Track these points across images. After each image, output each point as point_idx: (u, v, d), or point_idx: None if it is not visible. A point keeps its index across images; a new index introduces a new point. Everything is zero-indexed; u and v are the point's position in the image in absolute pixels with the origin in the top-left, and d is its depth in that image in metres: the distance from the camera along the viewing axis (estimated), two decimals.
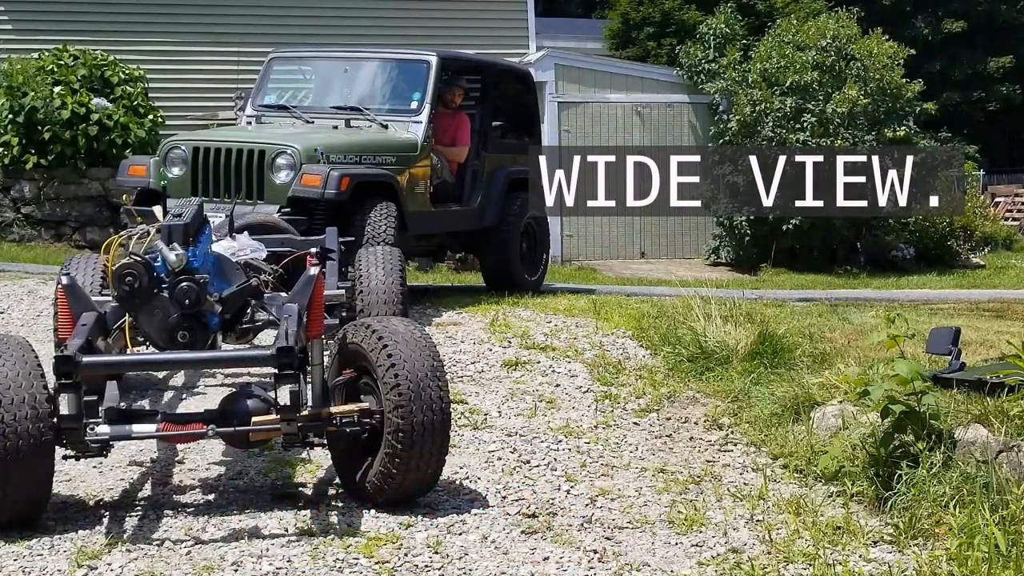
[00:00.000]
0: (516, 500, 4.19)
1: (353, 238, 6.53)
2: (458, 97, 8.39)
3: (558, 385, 5.76)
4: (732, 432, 5.12)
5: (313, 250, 5.53)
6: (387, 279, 5.63)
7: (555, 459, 4.69)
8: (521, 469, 4.55)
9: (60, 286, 4.28)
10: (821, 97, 14.86)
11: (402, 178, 7.57)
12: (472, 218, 8.40)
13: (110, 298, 4.25)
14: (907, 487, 3.96)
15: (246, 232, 5.49)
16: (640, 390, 5.68)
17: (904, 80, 15.45)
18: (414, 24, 15.19)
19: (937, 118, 18.41)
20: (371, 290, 5.60)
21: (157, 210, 7.72)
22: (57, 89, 12.22)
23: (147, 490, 4.17)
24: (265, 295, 4.58)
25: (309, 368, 3.98)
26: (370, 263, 5.71)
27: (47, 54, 12.87)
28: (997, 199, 22.36)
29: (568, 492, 4.31)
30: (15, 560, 3.49)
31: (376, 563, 3.54)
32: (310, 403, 3.87)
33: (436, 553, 3.64)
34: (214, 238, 4.91)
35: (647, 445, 4.98)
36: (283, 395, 3.83)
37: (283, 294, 4.60)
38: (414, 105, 7.91)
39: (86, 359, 3.71)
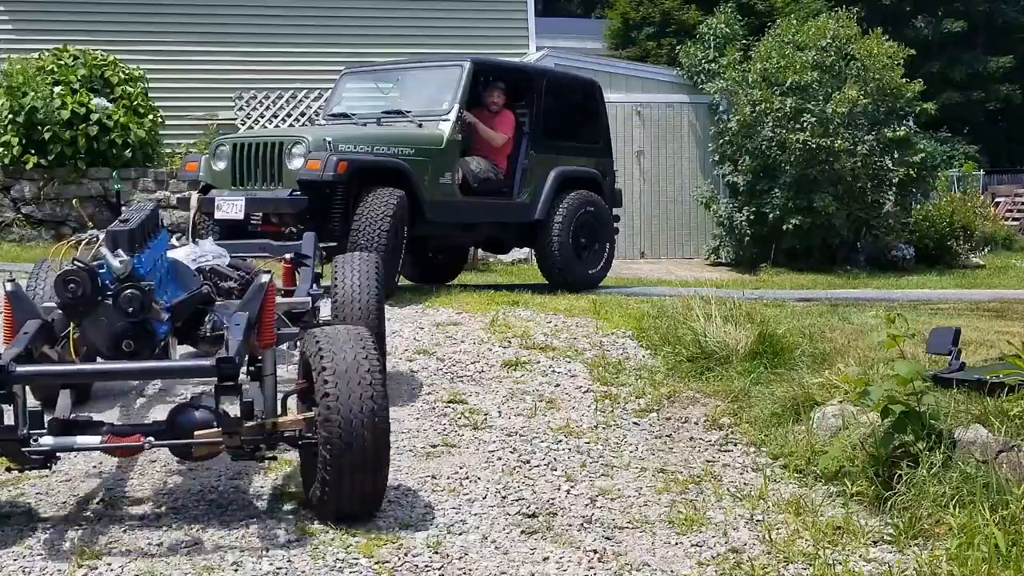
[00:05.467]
0: (516, 500, 4.19)
1: (335, 243, 7.21)
2: (497, 99, 9.04)
3: (558, 385, 5.76)
4: (732, 432, 5.12)
5: (287, 256, 5.42)
6: (362, 288, 5.26)
7: (555, 459, 4.69)
8: (521, 469, 4.55)
9: (5, 293, 4.05)
10: (821, 97, 14.87)
11: (421, 167, 8.20)
12: (519, 211, 9.07)
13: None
14: (907, 487, 3.96)
15: (210, 238, 5.44)
16: (640, 390, 5.68)
17: (904, 80, 15.46)
18: (415, 24, 15.22)
19: (937, 118, 18.42)
20: (345, 299, 5.26)
21: (194, 196, 8.25)
22: (57, 89, 12.24)
23: (146, 490, 4.17)
24: (217, 303, 4.42)
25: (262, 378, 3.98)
26: (345, 271, 5.36)
27: (47, 54, 12.90)
28: (997, 199, 22.39)
29: (568, 492, 4.31)
30: (15, 560, 3.49)
31: (376, 563, 3.54)
32: (264, 414, 3.75)
33: (436, 553, 3.64)
34: (176, 244, 4.88)
35: (647, 445, 4.98)
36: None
37: (226, 301, 4.44)
38: (445, 105, 8.61)
39: (19, 369, 3.55)
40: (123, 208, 4.74)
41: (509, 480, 4.41)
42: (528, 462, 4.63)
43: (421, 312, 7.30)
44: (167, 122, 13.62)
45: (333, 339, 3.78)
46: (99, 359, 4.00)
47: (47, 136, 12.11)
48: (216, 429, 3.66)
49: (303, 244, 5.61)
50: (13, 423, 3.58)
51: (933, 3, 30.59)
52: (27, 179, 12.43)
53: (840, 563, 3.58)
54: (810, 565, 3.59)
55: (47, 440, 3.63)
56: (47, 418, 3.74)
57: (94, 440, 3.68)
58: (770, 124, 14.79)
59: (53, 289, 3.92)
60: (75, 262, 3.87)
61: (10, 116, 12.19)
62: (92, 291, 3.81)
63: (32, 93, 12.06)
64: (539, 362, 6.12)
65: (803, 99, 14.79)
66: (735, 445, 4.98)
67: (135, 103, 12.85)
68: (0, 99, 12.28)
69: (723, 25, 16.72)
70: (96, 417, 3.96)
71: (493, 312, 7.22)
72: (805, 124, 14.61)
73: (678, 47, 17.44)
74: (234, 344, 3.78)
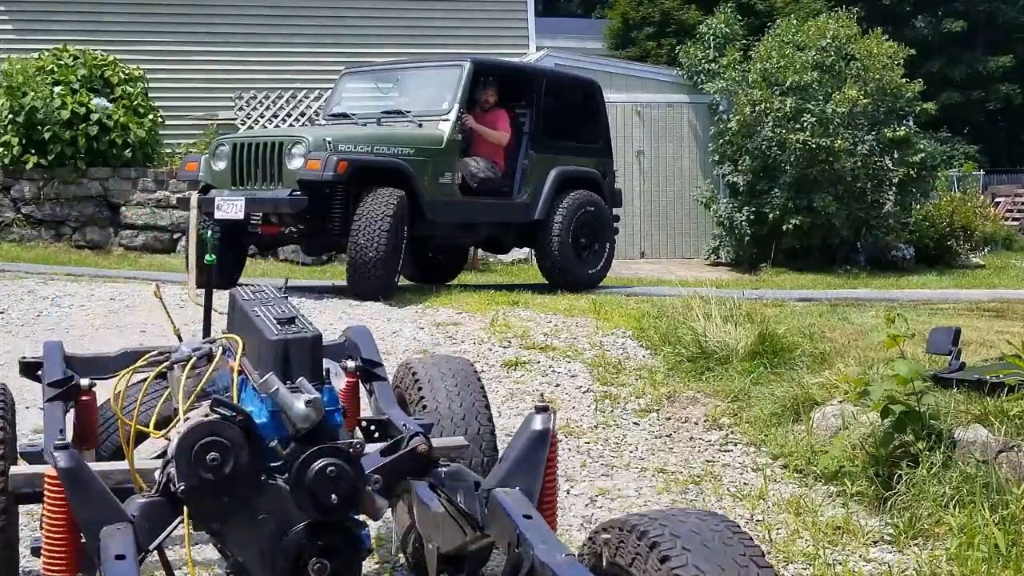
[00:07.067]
0: None
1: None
2: (490, 97, 9.10)
3: (558, 385, 5.76)
4: (732, 432, 5.12)
5: (350, 364, 3.26)
6: (467, 414, 3.17)
7: None
8: None
9: (54, 467, 2.19)
10: (821, 97, 14.87)
11: (421, 167, 8.26)
12: (518, 211, 9.16)
13: (126, 484, 2.44)
14: (907, 487, 3.96)
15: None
16: (640, 390, 5.68)
17: (904, 80, 15.46)
18: (415, 24, 15.22)
19: (937, 118, 18.42)
20: (448, 425, 3.13)
21: (194, 196, 8.12)
22: (57, 89, 12.24)
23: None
24: (443, 470, 2.46)
25: None
26: (436, 387, 3.22)
27: (47, 54, 12.89)
28: (997, 199, 22.39)
29: (568, 492, 4.30)
30: None
31: (376, 563, 3.54)
32: None
33: None
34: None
35: (647, 445, 4.98)
36: None
37: (454, 464, 2.53)
38: (445, 105, 8.66)
39: None
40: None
41: None
42: None
43: (421, 312, 7.30)
44: (167, 122, 13.62)
45: (677, 524, 1.81)
46: None
47: (47, 136, 12.11)
48: None
49: (360, 343, 3.38)
50: None
51: (933, 3, 30.61)
52: (27, 179, 12.43)
53: (840, 563, 3.58)
54: (810, 565, 3.59)
55: None
56: None
57: None
58: (770, 124, 14.79)
59: (175, 461, 2.14)
60: (213, 408, 2.15)
61: (10, 116, 12.19)
62: (250, 462, 2.12)
63: (32, 93, 12.06)
64: (539, 362, 6.12)
65: (803, 99, 14.79)
66: (735, 445, 4.98)
67: (135, 103, 12.85)
68: (0, 99, 12.28)
69: (723, 25, 16.72)
70: None
71: (493, 312, 7.22)
72: (805, 124, 14.61)
73: (678, 47, 17.45)
74: (558, 555, 1.92)
